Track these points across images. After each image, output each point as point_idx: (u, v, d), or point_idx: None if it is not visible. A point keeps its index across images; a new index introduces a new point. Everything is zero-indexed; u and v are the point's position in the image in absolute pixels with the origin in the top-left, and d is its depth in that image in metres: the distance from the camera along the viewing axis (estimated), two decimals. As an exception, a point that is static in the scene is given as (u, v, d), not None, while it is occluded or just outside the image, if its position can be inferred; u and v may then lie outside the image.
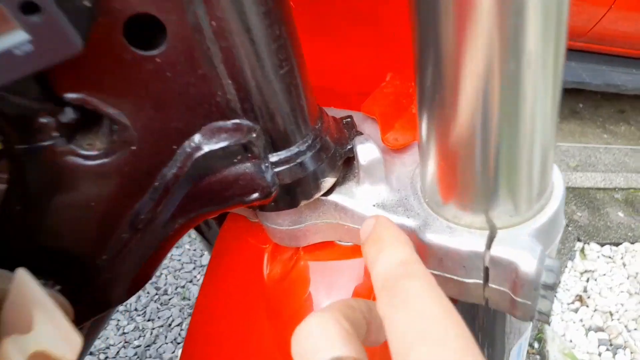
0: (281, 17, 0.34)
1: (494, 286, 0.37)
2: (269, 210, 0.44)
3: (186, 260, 2.40)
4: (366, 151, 0.42)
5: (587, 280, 2.52)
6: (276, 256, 0.51)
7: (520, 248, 0.38)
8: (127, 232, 0.43)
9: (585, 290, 2.48)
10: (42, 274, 0.45)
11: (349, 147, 0.44)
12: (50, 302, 0.36)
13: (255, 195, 0.41)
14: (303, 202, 0.43)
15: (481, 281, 0.40)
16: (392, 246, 0.32)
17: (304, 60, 0.38)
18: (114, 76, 0.33)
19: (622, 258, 2.65)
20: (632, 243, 2.70)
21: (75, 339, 0.34)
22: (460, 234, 0.40)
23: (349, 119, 0.47)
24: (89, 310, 0.46)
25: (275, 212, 0.46)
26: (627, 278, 2.58)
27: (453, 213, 0.40)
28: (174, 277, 2.35)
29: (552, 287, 0.37)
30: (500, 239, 0.39)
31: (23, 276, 0.37)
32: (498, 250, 0.38)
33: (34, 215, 0.42)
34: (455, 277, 0.41)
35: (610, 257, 2.63)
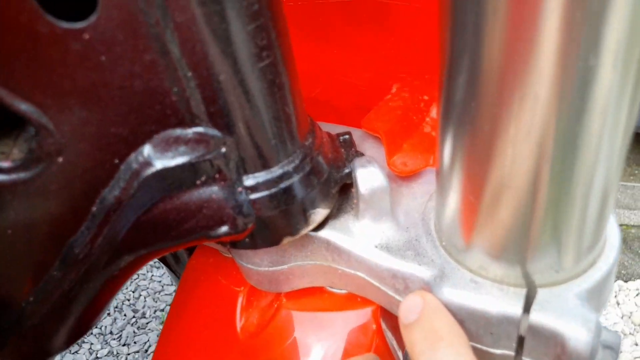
0: None
1: (529, 361, 0.28)
2: (244, 247, 0.34)
3: (167, 282, 2.29)
4: (368, 177, 0.33)
5: (582, 320, 2.42)
6: (252, 302, 0.41)
7: (568, 315, 0.29)
8: (58, 269, 0.33)
9: (580, 331, 2.38)
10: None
11: (346, 170, 0.35)
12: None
13: (224, 228, 0.31)
14: (287, 240, 0.33)
15: (512, 353, 0.31)
16: (451, 346, 0.28)
17: (292, 55, 0.29)
18: (26, 57, 0.24)
19: (615, 297, 2.54)
20: (626, 281, 2.61)
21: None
22: (488, 291, 0.31)
23: (346, 136, 0.38)
24: (12, 364, 0.36)
25: (251, 250, 0.36)
26: (622, 318, 2.48)
27: (479, 262, 0.31)
28: (153, 299, 2.23)
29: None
30: (541, 301, 0.30)
31: None
32: (539, 316, 0.29)
33: None
34: (478, 346, 0.32)
35: (606, 296, 2.53)
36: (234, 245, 0.35)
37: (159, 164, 0.29)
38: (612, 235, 0.33)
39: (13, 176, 0.29)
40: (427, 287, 0.32)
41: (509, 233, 0.29)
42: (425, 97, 0.41)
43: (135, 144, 0.28)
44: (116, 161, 0.29)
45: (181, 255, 0.66)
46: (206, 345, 0.43)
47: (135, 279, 2.27)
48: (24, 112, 0.26)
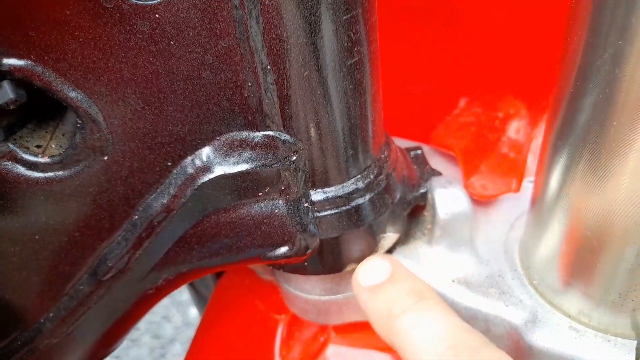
0: None
1: None
2: (300, 272, 0.30)
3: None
4: (449, 200, 0.29)
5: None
6: (294, 333, 0.37)
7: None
8: (86, 283, 0.29)
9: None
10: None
11: (421, 191, 0.30)
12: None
13: (284, 249, 0.27)
14: (351, 267, 0.29)
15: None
16: (439, 303, 0.26)
17: (378, 54, 0.25)
18: (82, 37, 0.20)
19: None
20: None
21: None
22: (591, 341, 0.26)
23: (418, 152, 0.33)
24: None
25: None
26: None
27: (578, 307, 0.27)
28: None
29: None
30: (659, 358, 0.25)
31: None
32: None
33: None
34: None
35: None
36: (288, 268, 0.31)
37: (219, 169, 0.25)
38: None
39: (49, 174, 0.25)
40: (515, 332, 0.27)
41: (621, 273, 0.25)
42: (500, 114, 0.37)
43: (194, 145, 0.24)
44: (169, 164, 0.25)
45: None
46: (239, 378, 0.38)
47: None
48: (72, 101, 0.22)
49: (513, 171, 0.34)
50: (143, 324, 2.19)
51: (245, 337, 0.39)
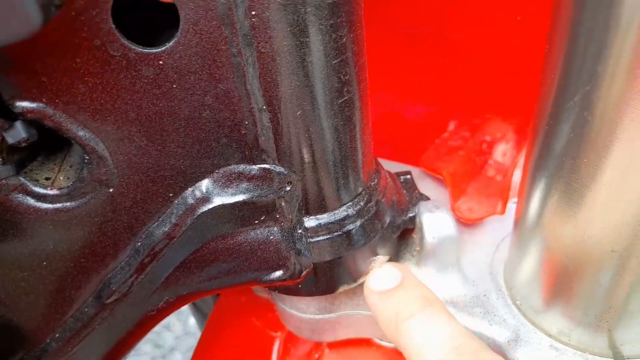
0: (352, 18, 0.23)
1: None
2: (294, 294, 0.31)
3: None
4: (437, 224, 0.31)
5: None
6: (290, 349, 0.38)
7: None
8: (90, 306, 0.31)
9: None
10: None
11: (410, 215, 0.32)
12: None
13: (278, 273, 0.29)
14: (343, 288, 0.30)
15: None
16: (443, 311, 0.28)
17: (367, 85, 0.27)
18: (91, 81, 0.22)
19: None
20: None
21: None
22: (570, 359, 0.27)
23: (408, 176, 0.35)
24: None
25: (298, 295, 0.33)
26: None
27: (559, 326, 0.28)
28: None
29: None
30: (633, 377, 0.26)
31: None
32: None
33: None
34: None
35: None
36: (284, 290, 0.32)
37: (218, 200, 0.26)
38: None
39: (57, 205, 0.26)
40: (499, 350, 0.29)
41: (595, 299, 0.26)
42: (487, 138, 0.39)
43: (194, 177, 0.26)
44: (170, 195, 0.26)
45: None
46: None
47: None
48: (81, 139, 0.23)
49: (499, 193, 0.35)
50: (143, 333, 2.18)
51: (243, 353, 0.41)
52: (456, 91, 0.42)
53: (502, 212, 0.35)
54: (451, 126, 0.41)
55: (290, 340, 0.39)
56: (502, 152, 0.38)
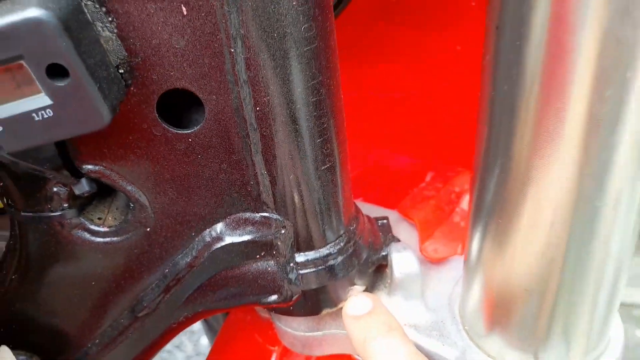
0: (332, 108, 0.31)
1: None
2: (287, 314, 0.39)
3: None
4: (403, 262, 0.38)
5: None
6: (285, 362, 0.45)
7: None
8: (125, 318, 0.38)
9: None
10: (27, 347, 0.41)
11: (383, 254, 0.39)
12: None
13: (274, 297, 0.36)
14: (326, 311, 0.38)
15: None
16: (403, 335, 0.35)
17: (347, 154, 0.35)
18: (139, 152, 0.30)
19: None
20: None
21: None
22: None
23: (384, 221, 0.43)
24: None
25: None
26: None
27: (497, 348, 0.35)
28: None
29: None
30: (552, 390, 0.33)
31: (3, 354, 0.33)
32: (549, 404, 0.32)
33: (28, 287, 0.38)
34: None
35: (631, 380, 2.45)
36: (277, 310, 0.39)
37: (229, 239, 0.34)
38: (616, 336, 0.36)
39: (106, 239, 0.34)
40: (449, 366, 0.36)
41: (523, 327, 0.33)
42: (457, 189, 0.46)
43: (211, 222, 0.34)
44: (193, 234, 0.34)
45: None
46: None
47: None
48: (128, 192, 0.31)
49: (461, 237, 0.43)
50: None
51: (246, 364, 0.48)
52: (434, 146, 0.50)
53: (462, 253, 0.42)
54: (428, 177, 0.49)
55: (286, 353, 0.46)
56: (467, 201, 0.46)
